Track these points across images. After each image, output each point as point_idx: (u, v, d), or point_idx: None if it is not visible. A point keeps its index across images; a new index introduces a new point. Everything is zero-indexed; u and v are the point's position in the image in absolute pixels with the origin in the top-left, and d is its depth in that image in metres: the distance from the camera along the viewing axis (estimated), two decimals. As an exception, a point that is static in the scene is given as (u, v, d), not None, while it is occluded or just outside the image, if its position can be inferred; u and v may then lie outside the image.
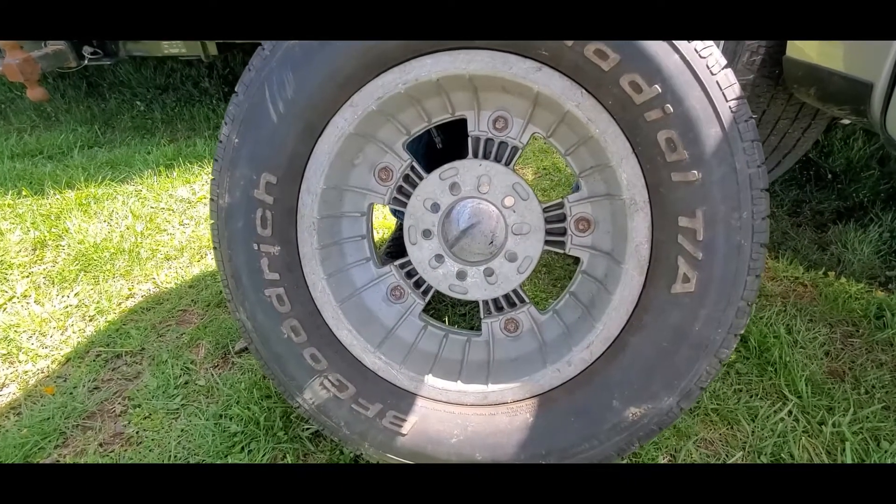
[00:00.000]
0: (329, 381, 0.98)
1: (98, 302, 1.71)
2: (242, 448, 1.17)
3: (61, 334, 1.58)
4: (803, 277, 1.96)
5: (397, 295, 1.15)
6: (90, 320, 1.65)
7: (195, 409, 1.31)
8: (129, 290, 1.79)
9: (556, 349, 0.98)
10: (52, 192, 2.46)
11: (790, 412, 1.34)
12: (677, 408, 0.86)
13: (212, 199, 0.97)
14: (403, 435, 0.97)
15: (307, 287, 0.99)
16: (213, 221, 0.98)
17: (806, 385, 1.42)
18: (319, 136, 0.93)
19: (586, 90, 0.82)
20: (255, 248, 0.96)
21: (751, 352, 1.56)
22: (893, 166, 2.60)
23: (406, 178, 1.09)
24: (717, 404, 1.37)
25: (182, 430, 1.24)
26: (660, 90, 0.76)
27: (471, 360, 1.08)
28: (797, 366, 1.49)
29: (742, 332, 0.83)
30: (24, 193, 2.44)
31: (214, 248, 0.99)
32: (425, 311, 1.15)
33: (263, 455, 1.15)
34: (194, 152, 2.97)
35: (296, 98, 0.90)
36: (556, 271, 1.94)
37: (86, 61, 2.87)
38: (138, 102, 3.82)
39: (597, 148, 0.88)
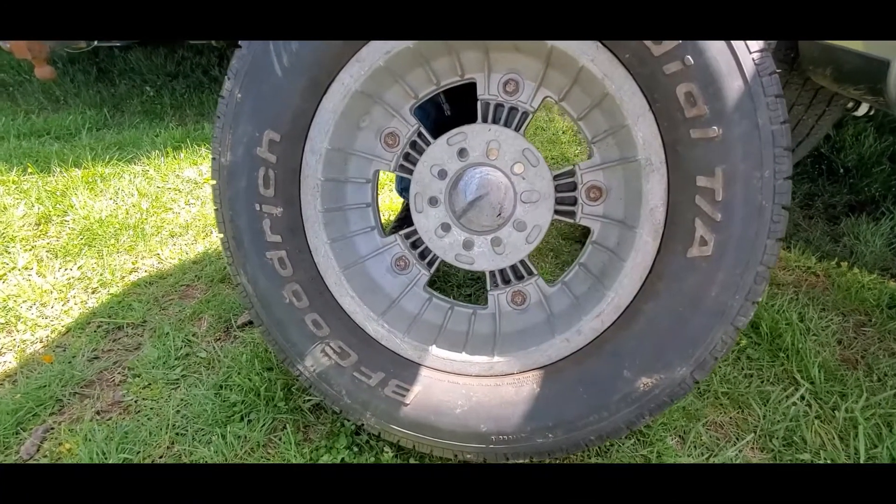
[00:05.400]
0: (331, 348, 0.96)
1: (101, 275, 1.69)
2: (242, 418, 1.15)
3: (62, 305, 1.57)
4: (815, 267, 1.93)
5: (402, 266, 1.12)
6: (92, 292, 1.63)
7: (195, 379, 1.29)
8: (133, 264, 1.77)
9: (565, 320, 0.95)
10: (58, 170, 2.45)
11: (802, 397, 1.31)
12: (691, 378, 0.83)
13: (213, 158, 0.95)
14: (406, 405, 0.94)
15: (310, 251, 0.97)
16: (214, 182, 0.96)
17: (819, 371, 1.38)
18: (325, 92, 0.91)
19: (602, 43, 0.79)
20: (258, 208, 0.93)
21: (762, 338, 1.53)
22: (905, 162, 2.56)
23: (413, 144, 1.06)
24: (728, 388, 1.34)
25: (181, 400, 1.23)
26: (680, 41, 0.73)
27: (476, 332, 1.05)
28: (809, 352, 1.45)
29: (760, 300, 0.80)
30: (29, 170, 2.43)
31: (216, 209, 0.97)
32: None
33: (262, 425, 1.13)
34: (202, 135, 2.96)
35: (301, 51, 0.87)
36: (563, 256, 1.90)
37: (95, 42, 2.86)
38: (148, 88, 3.82)
39: (612, 107, 0.85)
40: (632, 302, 0.85)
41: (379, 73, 0.92)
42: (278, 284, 0.95)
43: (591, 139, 0.97)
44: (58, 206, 2.10)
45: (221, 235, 0.98)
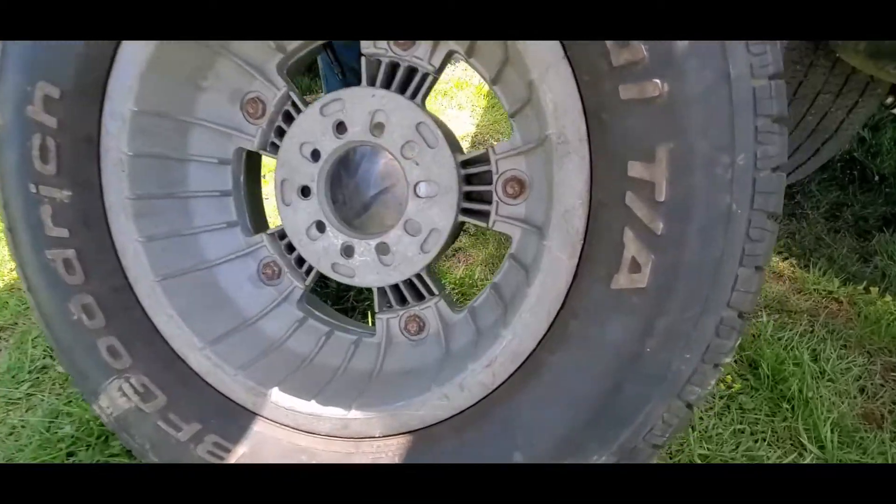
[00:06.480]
0: (131, 385, 0.70)
1: (-14, 266, 1.48)
2: (68, 456, 0.91)
3: (-71, 300, 1.36)
4: (838, 292, 1.60)
5: (270, 274, 0.86)
6: (-29, 286, 1.42)
7: (39, 400, 1.05)
8: (30, 255, 1.56)
9: (452, 365, 0.67)
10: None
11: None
12: (615, 472, 0.54)
13: (-12, 122, 0.70)
14: (225, 470, 0.68)
15: (115, 252, 0.71)
16: (-12, 153, 0.71)
17: (832, 431, 1.08)
18: (123, 32, 0.65)
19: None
20: (33, 190, 0.68)
21: (761, 381, 1.22)
22: (952, 170, 2.21)
23: (287, 115, 0.80)
24: (709, 449, 1.04)
25: (12, 427, 0.99)
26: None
27: (351, 368, 0.79)
28: (822, 404, 1.15)
29: (727, 360, 0.51)
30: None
31: (-5, 189, 0.72)
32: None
33: (87, 471, 0.88)
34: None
35: (76, -32, 0.61)
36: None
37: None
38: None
39: (518, 57, 0.57)
40: (535, 350, 0.57)
41: (206, 7, 0.66)
42: (63, 295, 0.70)
43: (511, 112, 0.69)
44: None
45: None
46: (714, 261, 0.47)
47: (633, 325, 0.50)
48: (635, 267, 0.49)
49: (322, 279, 1.46)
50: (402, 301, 0.81)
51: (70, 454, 0.92)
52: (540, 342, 0.57)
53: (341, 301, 1.39)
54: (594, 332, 0.52)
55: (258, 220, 0.92)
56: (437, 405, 0.62)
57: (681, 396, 0.50)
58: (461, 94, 3.16)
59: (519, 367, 0.58)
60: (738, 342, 0.49)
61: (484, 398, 0.60)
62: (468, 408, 0.61)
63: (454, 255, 1.67)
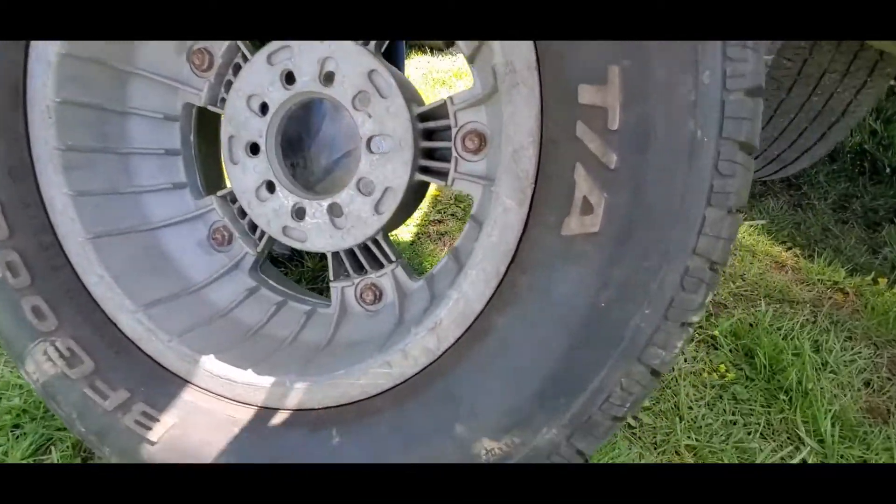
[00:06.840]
0: (56, 349, 0.65)
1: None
2: (15, 427, 0.87)
3: None
4: (844, 283, 1.52)
5: (220, 239, 0.81)
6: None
7: (0, 371, 1.01)
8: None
9: (399, 332, 0.61)
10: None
11: (804, 462, 0.93)
12: (568, 447, 0.48)
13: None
14: (153, 443, 0.62)
15: (43, 206, 0.66)
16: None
17: (833, 425, 1.00)
18: (46, -37, 0.60)
19: None
20: (-47, 136, 0.63)
21: (757, 371, 1.15)
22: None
23: (237, 68, 0.75)
24: (697, 439, 0.97)
25: (-36, 400, 0.95)
26: None
27: (300, 340, 0.73)
28: (823, 396, 1.07)
29: (696, 319, 0.44)
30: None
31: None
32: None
33: (30, 443, 0.84)
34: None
35: None
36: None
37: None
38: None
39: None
40: (483, 311, 0.51)
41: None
42: (-15, 251, 0.65)
43: (469, 56, 0.63)
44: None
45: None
46: (677, 199, 0.40)
47: (586, 276, 0.43)
48: (587, 208, 0.42)
49: (298, 255, 1.41)
50: (359, 269, 0.75)
51: (16, 426, 0.88)
52: (488, 302, 0.50)
53: (317, 281, 1.34)
54: (544, 287, 0.46)
55: (213, 183, 0.87)
56: (379, 374, 0.56)
57: (642, 360, 0.44)
58: (460, 83, 3.10)
59: (466, 331, 0.52)
60: (708, 297, 0.42)
61: (428, 366, 0.54)
62: (412, 376, 0.55)
63: (440, 238, 1.61)
